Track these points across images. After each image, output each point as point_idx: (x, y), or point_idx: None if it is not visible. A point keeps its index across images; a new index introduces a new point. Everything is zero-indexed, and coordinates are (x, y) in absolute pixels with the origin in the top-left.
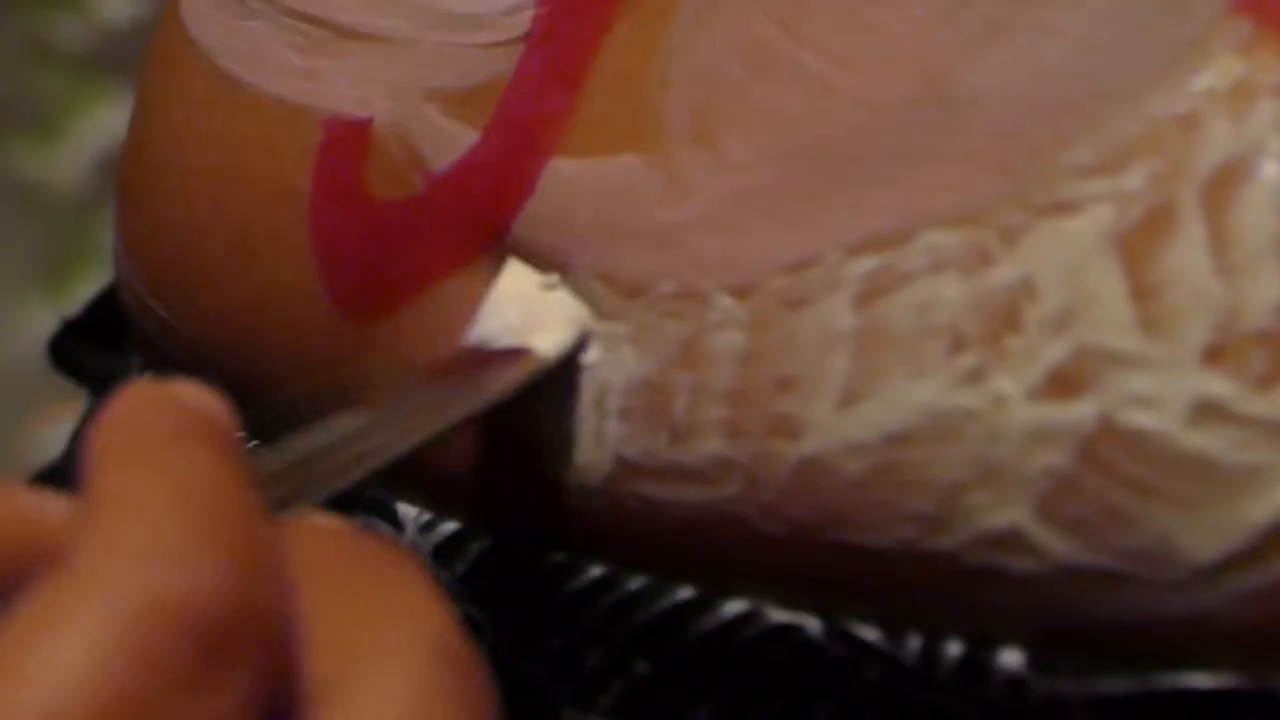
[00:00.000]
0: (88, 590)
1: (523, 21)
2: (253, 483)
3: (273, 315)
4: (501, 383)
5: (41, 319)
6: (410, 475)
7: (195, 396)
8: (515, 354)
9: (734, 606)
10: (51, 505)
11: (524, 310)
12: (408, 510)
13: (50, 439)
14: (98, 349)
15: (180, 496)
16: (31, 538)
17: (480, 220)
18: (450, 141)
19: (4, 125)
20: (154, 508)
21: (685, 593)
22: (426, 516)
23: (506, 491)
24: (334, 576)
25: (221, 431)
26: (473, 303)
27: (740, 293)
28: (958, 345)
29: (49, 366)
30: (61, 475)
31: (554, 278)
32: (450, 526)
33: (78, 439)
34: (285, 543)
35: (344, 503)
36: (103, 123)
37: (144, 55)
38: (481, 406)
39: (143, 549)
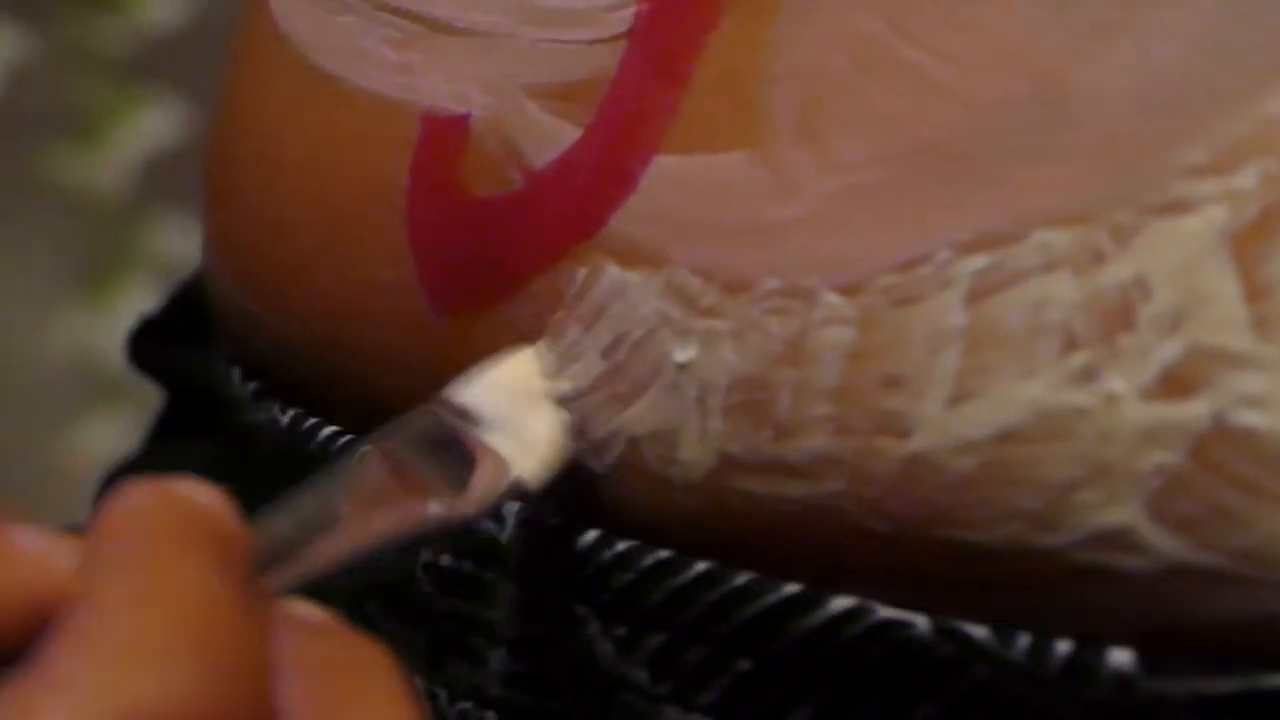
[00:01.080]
0: (60, 694)
1: (625, 18)
2: (245, 584)
3: (367, 310)
4: (473, 509)
5: (81, 325)
6: None
7: (197, 498)
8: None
9: (840, 603)
10: (59, 552)
11: (519, 412)
12: (509, 505)
13: (88, 442)
14: (177, 347)
15: (164, 602)
16: (40, 587)
17: (579, 216)
18: (551, 138)
19: (46, 130)
20: (135, 612)
21: (791, 589)
22: (526, 512)
23: (608, 487)
24: (315, 675)
25: (220, 535)
26: (564, 297)
27: (848, 290)
28: (1070, 344)
29: (127, 363)
30: (138, 470)
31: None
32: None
33: (156, 435)
34: (270, 641)
35: None
36: (145, 128)
37: (189, 57)
38: (454, 524)
39: (119, 653)
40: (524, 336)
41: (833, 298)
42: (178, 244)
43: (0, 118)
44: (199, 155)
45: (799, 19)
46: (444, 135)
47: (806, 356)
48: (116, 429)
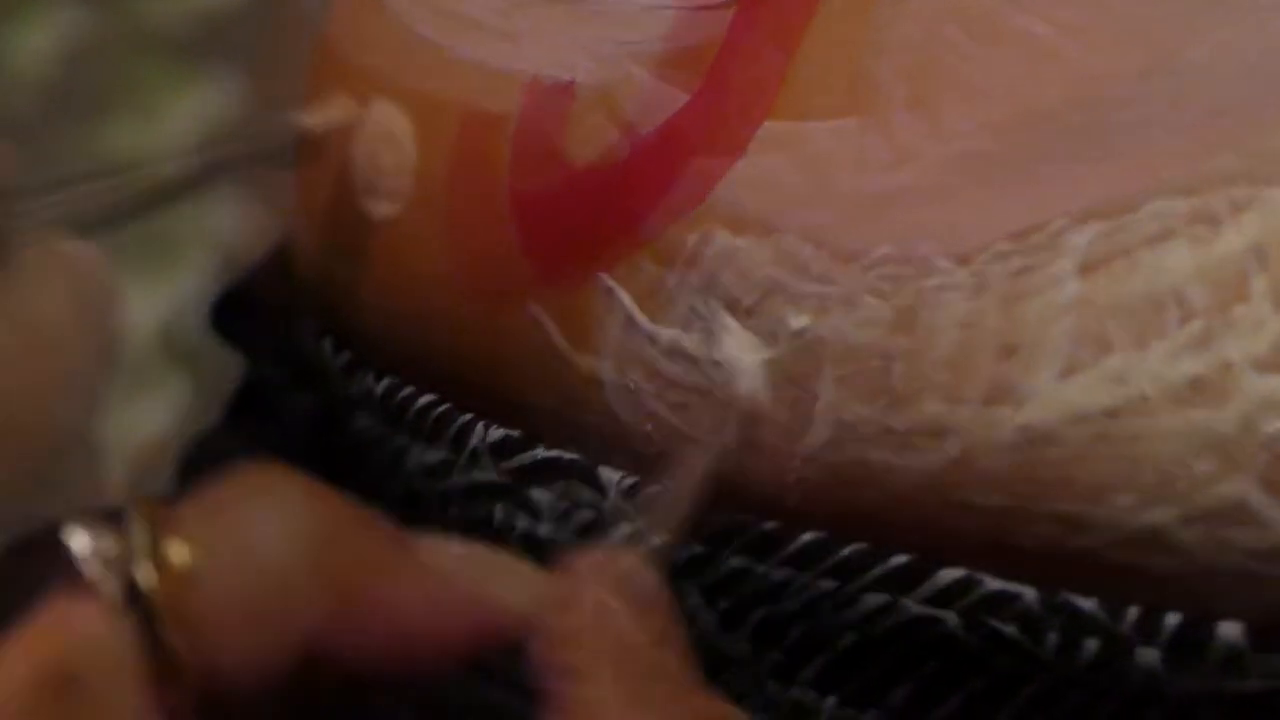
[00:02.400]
0: None
1: None
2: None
3: (469, 280)
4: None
5: (136, 302)
6: (617, 440)
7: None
8: None
9: (949, 574)
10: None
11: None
12: (611, 475)
13: (143, 419)
14: (260, 316)
15: None
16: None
17: (686, 182)
18: (658, 104)
19: (102, 107)
20: None
21: (899, 559)
22: (630, 480)
23: (720, 456)
24: None
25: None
26: (674, 264)
27: (961, 259)
28: (1185, 314)
29: (210, 330)
30: (226, 439)
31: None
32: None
33: (239, 405)
34: None
35: (545, 469)
36: (201, 107)
37: (247, 36)
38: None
39: None
40: (633, 302)
41: (945, 265)
42: (234, 222)
43: (57, 95)
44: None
45: None
46: (549, 102)
47: (920, 325)
48: (173, 406)
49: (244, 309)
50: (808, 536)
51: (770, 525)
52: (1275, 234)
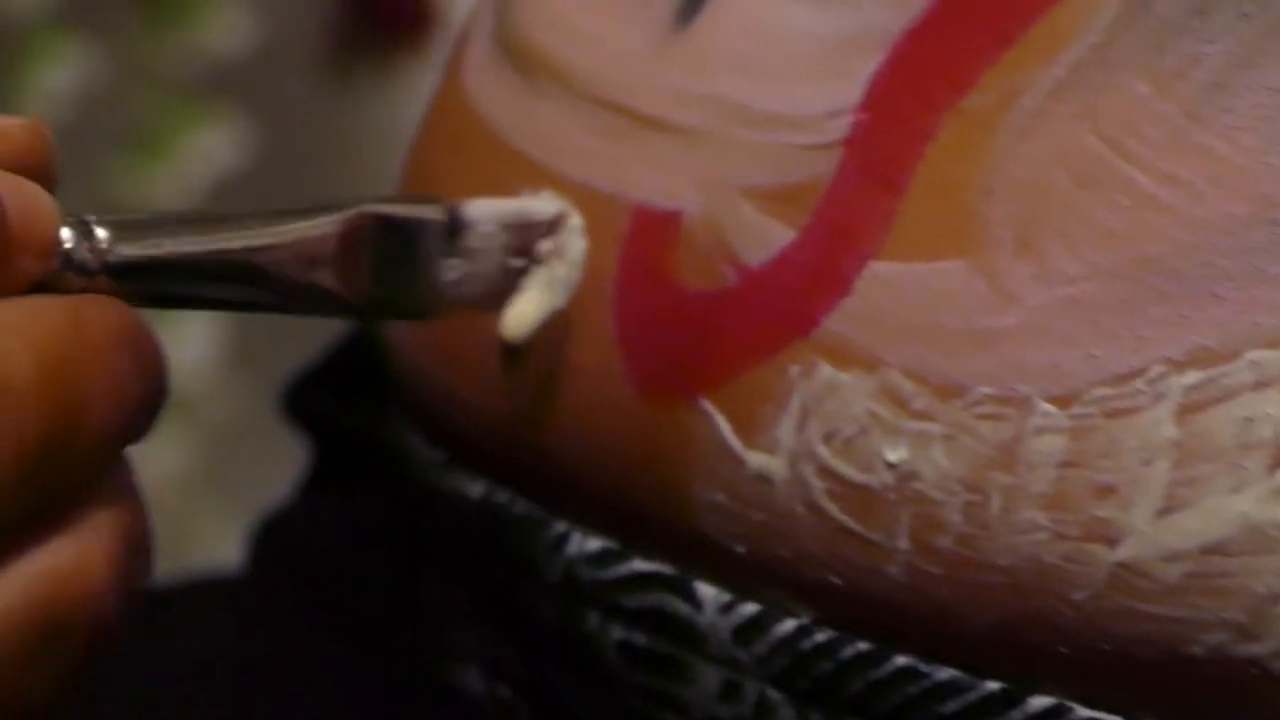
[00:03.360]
0: None
1: (843, 126)
2: None
3: (570, 395)
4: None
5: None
6: (712, 556)
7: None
8: None
9: (1039, 702)
10: None
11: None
12: (707, 590)
13: (150, 461)
14: (338, 401)
15: None
16: None
17: (791, 315)
18: (765, 239)
19: (106, 147)
20: None
21: (991, 686)
22: (727, 597)
23: (815, 577)
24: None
25: None
26: (775, 392)
27: (1061, 400)
28: (1278, 460)
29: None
30: (298, 519)
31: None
32: (751, 608)
33: (307, 491)
34: None
35: (639, 580)
36: (205, 148)
37: (259, 79)
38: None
39: None
40: (737, 428)
41: (1046, 407)
42: None
43: (68, 136)
44: (267, 177)
45: (1019, 135)
46: (656, 229)
47: (1019, 462)
48: (179, 449)
49: (321, 392)
50: (901, 660)
51: (863, 647)
52: None
